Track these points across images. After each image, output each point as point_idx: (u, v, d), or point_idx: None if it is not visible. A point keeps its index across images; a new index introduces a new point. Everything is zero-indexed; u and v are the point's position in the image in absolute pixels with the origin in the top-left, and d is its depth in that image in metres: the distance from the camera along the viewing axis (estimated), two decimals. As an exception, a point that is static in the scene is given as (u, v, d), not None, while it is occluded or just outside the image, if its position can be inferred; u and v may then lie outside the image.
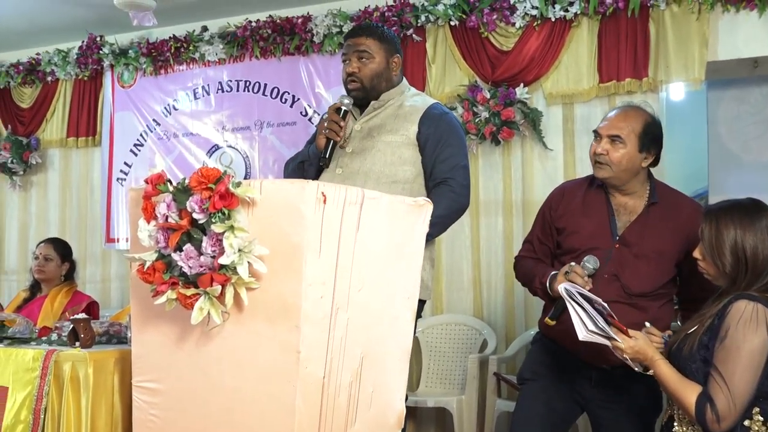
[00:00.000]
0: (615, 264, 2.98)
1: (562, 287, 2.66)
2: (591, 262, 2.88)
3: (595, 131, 3.07)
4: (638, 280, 2.96)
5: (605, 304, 2.61)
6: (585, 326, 2.56)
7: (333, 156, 3.28)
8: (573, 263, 2.91)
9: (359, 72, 3.28)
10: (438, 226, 3.04)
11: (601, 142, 3.00)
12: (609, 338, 2.57)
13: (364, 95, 3.32)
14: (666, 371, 2.51)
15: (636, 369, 2.61)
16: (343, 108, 3.26)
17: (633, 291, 2.96)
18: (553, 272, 3.00)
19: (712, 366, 2.40)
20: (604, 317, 2.59)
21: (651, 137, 3.01)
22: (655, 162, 3.07)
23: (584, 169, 4.89)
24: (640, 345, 2.56)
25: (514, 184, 5.23)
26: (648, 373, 2.58)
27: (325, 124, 3.25)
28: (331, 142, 3.24)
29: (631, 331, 2.58)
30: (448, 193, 3.18)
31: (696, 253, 2.59)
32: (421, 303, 3.24)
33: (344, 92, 3.38)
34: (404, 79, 3.43)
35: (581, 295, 2.61)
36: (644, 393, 3.00)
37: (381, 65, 3.30)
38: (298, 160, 3.45)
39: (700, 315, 2.56)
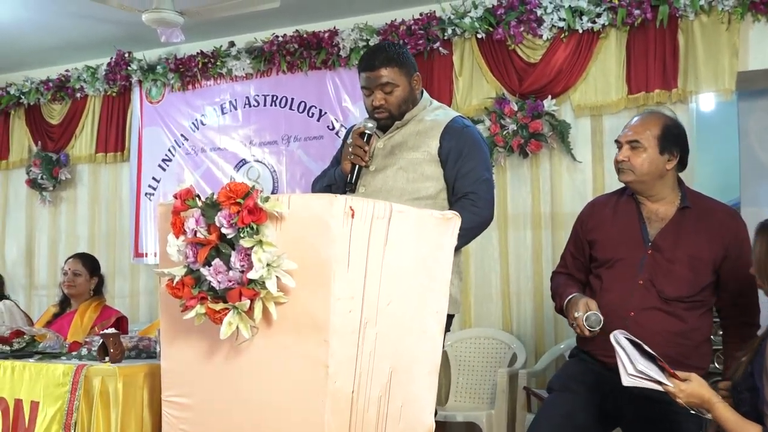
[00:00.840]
0: (649, 270, 2.98)
1: (612, 335, 2.63)
2: (593, 318, 2.90)
3: (616, 141, 3.09)
4: (674, 284, 2.96)
5: (655, 354, 2.51)
6: (626, 370, 2.47)
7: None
8: (578, 314, 2.93)
9: (386, 104, 3.25)
10: (459, 240, 3.01)
11: (622, 149, 3.04)
12: (656, 381, 2.44)
13: (393, 121, 3.31)
14: (725, 414, 2.34)
15: (692, 412, 2.44)
16: (367, 132, 3.25)
17: (668, 295, 2.95)
18: (571, 296, 3.04)
19: (765, 402, 2.28)
20: (655, 362, 2.48)
21: (671, 138, 3.02)
22: (682, 165, 3.08)
23: (613, 181, 4.85)
24: (693, 387, 2.40)
25: (542, 196, 5.22)
26: (706, 416, 2.41)
27: (350, 149, 3.25)
28: (357, 166, 3.24)
29: (682, 374, 2.44)
30: (469, 207, 3.14)
31: (752, 270, 2.54)
32: (450, 317, 3.23)
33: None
34: (424, 92, 3.40)
35: (630, 341, 2.55)
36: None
37: (406, 90, 3.27)
38: (325, 183, 3.44)
39: (752, 340, 2.50)
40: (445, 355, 5.18)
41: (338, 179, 3.35)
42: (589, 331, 2.91)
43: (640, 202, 3.10)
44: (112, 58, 6.56)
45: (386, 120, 3.29)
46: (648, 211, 3.07)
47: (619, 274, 3.02)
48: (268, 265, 2.17)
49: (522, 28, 5.20)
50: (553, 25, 5.13)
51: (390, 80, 3.23)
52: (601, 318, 2.89)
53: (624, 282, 3.00)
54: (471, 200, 3.18)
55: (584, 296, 3.01)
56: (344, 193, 3.27)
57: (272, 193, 5.67)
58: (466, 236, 3.07)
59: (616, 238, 3.07)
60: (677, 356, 2.87)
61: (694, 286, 2.97)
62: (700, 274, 2.98)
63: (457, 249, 3.18)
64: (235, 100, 6.24)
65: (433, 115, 3.32)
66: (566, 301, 3.05)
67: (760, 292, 2.65)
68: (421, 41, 5.43)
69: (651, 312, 2.93)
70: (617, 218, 3.12)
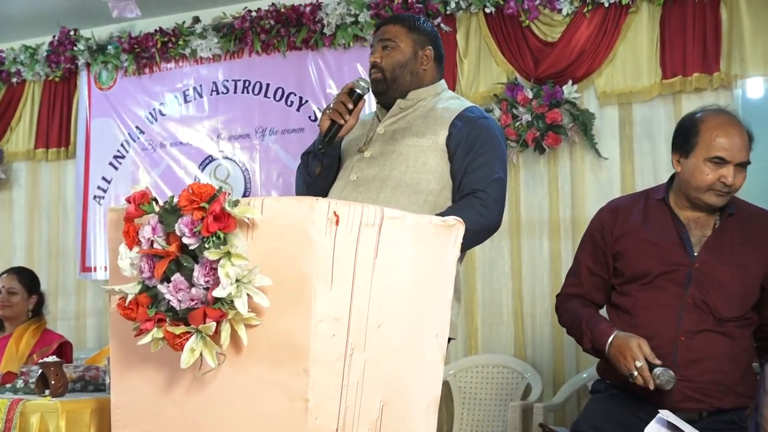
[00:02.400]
0: (698, 286, 3.01)
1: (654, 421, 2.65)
2: (665, 377, 2.86)
3: (719, 157, 3.04)
4: (728, 302, 3.01)
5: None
6: None
7: (350, 161, 3.29)
8: (640, 363, 2.88)
9: (381, 61, 3.34)
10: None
11: (731, 169, 3.04)
12: None
13: (385, 88, 3.35)
14: None
15: None
16: (357, 90, 3.26)
17: (724, 315, 3.01)
18: (612, 335, 3.00)
19: None
20: None
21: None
22: None
23: (644, 180, 4.90)
24: None
25: (561, 199, 5.23)
26: None
27: (332, 105, 3.27)
28: (335, 126, 3.24)
29: None
30: (477, 206, 3.12)
31: None
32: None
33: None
34: (442, 80, 3.46)
35: (670, 424, 2.59)
36: None
37: (406, 55, 3.34)
38: (301, 162, 3.48)
39: None
40: (447, 386, 5.18)
41: (315, 145, 3.38)
42: (658, 387, 2.88)
43: (674, 206, 3.14)
44: (54, 36, 6.56)
45: (379, 84, 3.36)
46: (686, 218, 3.12)
47: (660, 292, 3.05)
48: (237, 281, 2.17)
49: (538, 1, 5.22)
50: (574, -2, 5.16)
51: (391, 36, 3.35)
52: (674, 376, 2.86)
53: (668, 301, 3.03)
54: (480, 198, 3.15)
55: (631, 335, 2.97)
56: (319, 160, 3.33)
57: (244, 195, 5.70)
58: (468, 239, 2.92)
59: (651, 249, 3.10)
60: (729, 383, 2.93)
61: (747, 303, 3.04)
62: (750, 288, 3.05)
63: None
64: (200, 86, 6.25)
65: (446, 103, 3.36)
66: (609, 341, 3.00)
67: None
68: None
69: (704, 335, 2.97)
70: (650, 226, 3.14)
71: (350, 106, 3.24)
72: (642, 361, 2.89)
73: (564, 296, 3.30)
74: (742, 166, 3.06)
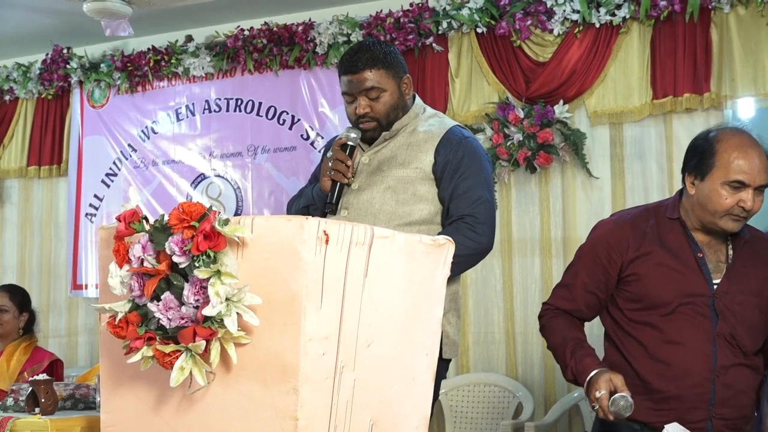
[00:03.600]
0: (724, 320, 2.89)
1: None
2: (622, 403, 2.74)
3: (739, 181, 2.85)
4: (752, 336, 2.92)
5: None
6: None
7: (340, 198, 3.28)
8: (600, 393, 2.77)
9: (372, 111, 3.25)
10: (452, 268, 2.97)
11: (750, 193, 2.86)
12: None
13: (381, 132, 3.30)
14: None
15: None
16: (350, 144, 3.25)
17: (749, 349, 2.92)
18: (593, 372, 2.86)
19: None
20: None
21: None
22: None
23: (635, 199, 4.91)
24: None
25: (553, 218, 5.24)
26: None
27: (330, 164, 3.25)
28: (338, 184, 3.23)
29: None
30: (465, 231, 3.12)
31: None
32: (446, 362, 3.23)
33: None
34: (417, 98, 3.40)
35: None
36: None
37: (395, 96, 3.27)
38: (302, 204, 3.44)
39: None
40: (438, 405, 5.17)
41: (317, 199, 3.35)
42: (615, 416, 2.76)
43: (690, 228, 2.98)
44: (47, 54, 6.57)
45: (373, 132, 3.29)
46: (700, 241, 2.97)
47: (687, 322, 2.90)
48: (227, 299, 2.17)
49: (529, 22, 5.24)
50: (565, 18, 5.17)
51: (376, 84, 3.23)
52: (632, 402, 2.74)
53: (696, 333, 2.89)
54: (468, 223, 3.15)
55: (607, 370, 2.84)
56: (324, 215, 3.28)
57: (236, 213, 5.70)
58: (459, 265, 3.01)
59: (671, 275, 2.93)
60: (751, 415, 2.89)
61: (766, 332, 2.96)
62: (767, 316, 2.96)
63: (449, 278, 3.17)
64: (193, 104, 6.25)
65: (426, 125, 3.32)
66: (587, 378, 2.87)
67: None
68: (411, 36, 5.46)
69: (737, 369, 2.87)
70: (666, 248, 2.97)
71: (349, 163, 3.24)
72: (603, 390, 2.77)
73: (551, 308, 3.13)
74: (761, 189, 2.87)
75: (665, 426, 2.63)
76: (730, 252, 2.97)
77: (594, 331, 3.36)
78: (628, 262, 2.98)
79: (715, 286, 2.91)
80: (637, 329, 2.97)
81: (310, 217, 2.23)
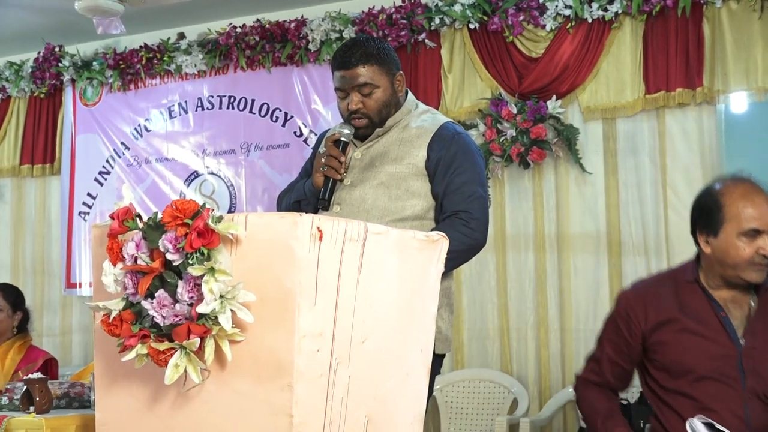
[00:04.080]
0: (754, 377, 2.84)
1: (688, 423, 2.63)
2: None
3: (754, 229, 2.84)
4: None
5: None
6: None
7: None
8: None
9: (364, 107, 3.25)
10: (445, 264, 2.97)
11: (766, 239, 2.83)
12: None
13: (373, 129, 3.30)
14: None
15: None
16: (343, 140, 3.25)
17: None
18: None
19: None
20: None
21: None
22: None
23: (629, 195, 4.93)
24: None
25: (546, 213, 5.25)
26: None
27: (323, 160, 3.25)
28: (331, 180, 3.23)
29: None
30: (459, 227, 3.13)
31: None
32: (440, 357, 3.23)
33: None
34: (409, 94, 3.40)
35: (706, 424, 2.58)
36: None
37: (387, 92, 3.27)
38: (293, 199, 3.44)
39: None
40: (433, 401, 5.17)
41: (308, 194, 3.35)
42: None
43: (709, 287, 2.94)
44: (39, 52, 6.56)
45: (367, 129, 3.29)
46: (721, 298, 2.92)
47: (718, 387, 2.85)
48: (221, 296, 2.17)
49: (522, 17, 5.24)
50: (557, 14, 5.18)
51: (368, 80, 3.23)
52: None
53: (727, 396, 2.84)
54: (462, 219, 3.16)
55: None
56: (316, 211, 3.27)
57: (229, 211, 5.70)
58: (453, 260, 2.98)
59: (694, 340, 2.90)
60: None
61: None
62: None
63: (443, 274, 3.17)
64: (186, 101, 6.25)
65: (419, 121, 3.32)
66: None
67: None
68: (403, 32, 5.46)
69: None
70: (687, 313, 2.93)
71: (342, 159, 3.23)
72: None
73: (582, 381, 3.14)
74: None
75: (688, 420, 2.61)
76: (753, 304, 2.93)
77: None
78: (650, 331, 2.96)
79: (742, 342, 2.87)
80: (671, 398, 2.94)
81: (303, 213, 2.22)
